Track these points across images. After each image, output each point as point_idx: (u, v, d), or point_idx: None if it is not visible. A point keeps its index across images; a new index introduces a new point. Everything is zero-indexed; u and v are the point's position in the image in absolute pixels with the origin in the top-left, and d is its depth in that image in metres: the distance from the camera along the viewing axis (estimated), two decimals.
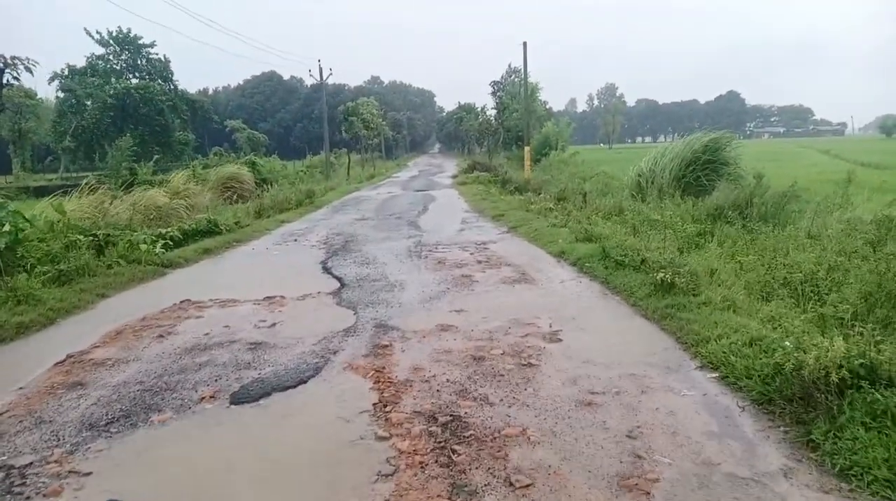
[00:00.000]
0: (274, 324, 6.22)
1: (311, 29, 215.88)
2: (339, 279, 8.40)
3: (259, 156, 58.21)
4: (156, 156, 42.71)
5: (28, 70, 13.16)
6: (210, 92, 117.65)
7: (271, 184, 29.87)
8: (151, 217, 15.76)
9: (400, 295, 7.31)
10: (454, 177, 34.11)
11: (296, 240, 12.29)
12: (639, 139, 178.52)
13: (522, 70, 31.67)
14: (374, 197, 22.56)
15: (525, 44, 31.19)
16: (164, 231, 11.58)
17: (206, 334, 5.95)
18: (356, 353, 5.20)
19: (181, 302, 7.26)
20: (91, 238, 10.00)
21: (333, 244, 11.59)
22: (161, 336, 5.94)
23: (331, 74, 38.30)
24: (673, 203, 17.57)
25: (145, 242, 10.11)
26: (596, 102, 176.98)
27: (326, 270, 9.05)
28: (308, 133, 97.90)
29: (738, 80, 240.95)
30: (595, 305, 6.62)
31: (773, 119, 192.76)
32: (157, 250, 10.05)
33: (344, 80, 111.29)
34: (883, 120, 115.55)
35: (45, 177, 49.36)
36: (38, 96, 59.49)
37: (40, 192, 33.64)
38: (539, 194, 28.62)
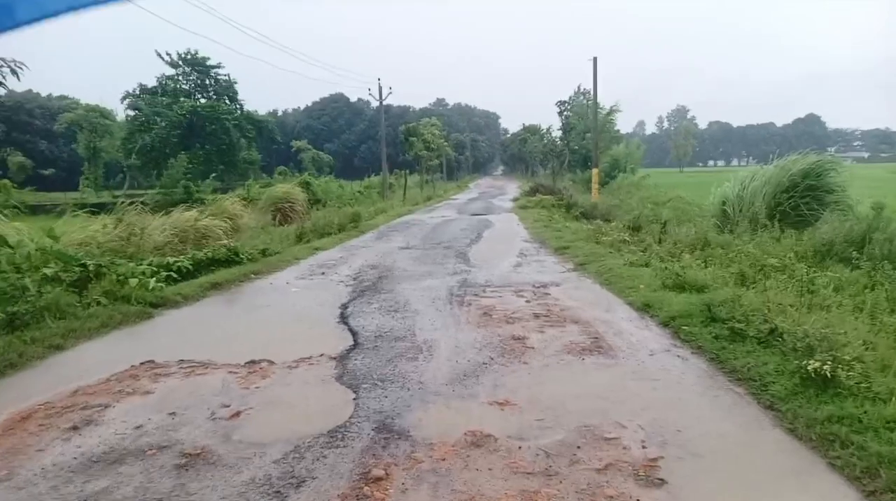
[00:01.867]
0: (238, 413, 4.36)
1: (381, 52, 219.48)
2: (353, 333, 6.53)
3: (322, 176, 58.08)
4: (213, 174, 42.73)
5: (14, 73, 12.09)
6: (279, 113, 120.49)
7: (325, 205, 28.84)
8: (187, 239, 14.53)
9: (424, 366, 5.33)
10: (515, 200, 32.07)
11: (323, 274, 10.53)
12: (710, 163, 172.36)
13: (592, 88, 29.45)
14: (426, 221, 20.76)
15: (595, 59, 29.13)
16: (171, 260, 10.05)
17: (139, 427, 4.14)
18: (327, 495, 3.24)
19: (141, 363, 5.52)
20: (80, 268, 8.52)
21: (364, 280, 9.76)
22: (76, 427, 4.17)
23: (391, 93, 37.15)
24: (770, 236, 15.07)
25: (139, 275, 8.56)
26: (666, 124, 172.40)
27: (343, 319, 7.20)
28: (372, 154, 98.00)
29: (817, 103, 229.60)
30: (709, 405, 4.41)
31: (856, 143, 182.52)
32: (153, 285, 8.46)
33: (409, 103, 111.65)
34: None
35: (112, 193, 50.30)
36: (117, 116, 61.54)
37: (98, 209, 33.85)
38: (609, 221, 26.31)
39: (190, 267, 10.11)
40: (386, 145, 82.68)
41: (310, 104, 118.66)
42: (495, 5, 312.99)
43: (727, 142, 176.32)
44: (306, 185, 30.33)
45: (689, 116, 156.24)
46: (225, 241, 15.45)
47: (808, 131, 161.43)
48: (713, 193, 21.56)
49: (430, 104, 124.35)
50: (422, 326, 6.67)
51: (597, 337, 6.02)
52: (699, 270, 9.93)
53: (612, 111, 42.78)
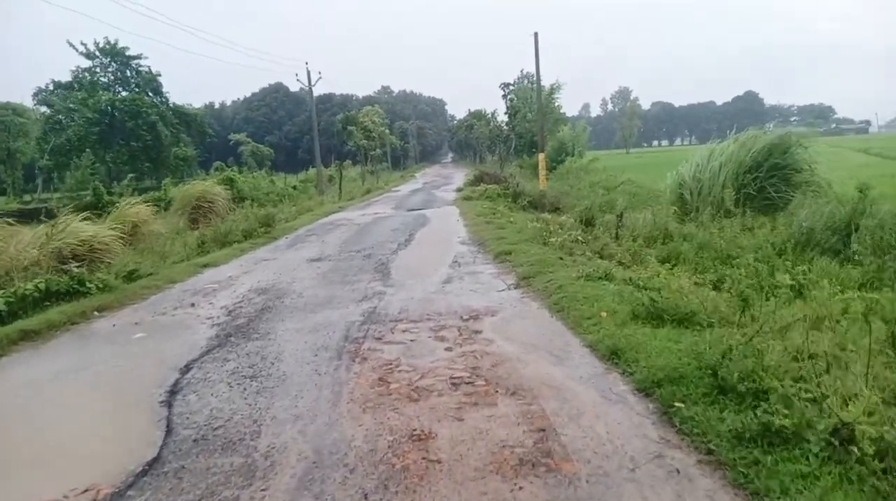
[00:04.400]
0: None
1: (319, 41, 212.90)
2: (168, 430, 4.15)
3: (262, 170, 54.74)
4: (130, 175, 39.09)
5: None
6: (216, 106, 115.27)
7: (253, 204, 26.04)
8: (70, 256, 11.85)
9: None
10: (459, 190, 29.78)
11: (193, 306, 8.03)
12: (655, 143, 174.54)
13: (535, 66, 27.36)
14: (355, 220, 18.27)
15: (536, 34, 27.20)
16: None
17: None
18: None
19: None
20: None
21: (240, 315, 7.32)
22: None
23: (320, 78, 34.36)
24: (737, 224, 13.25)
25: None
26: (610, 106, 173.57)
27: (171, 395, 4.80)
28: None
29: (755, 82, 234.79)
30: None
31: (792, 119, 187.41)
32: None
33: (353, 91, 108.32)
34: None
35: (18, 199, 45.88)
36: (35, 112, 56.52)
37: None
38: (558, 211, 24.28)
39: (2, 307, 7.49)
40: (328, 136, 79.70)
41: (248, 95, 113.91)
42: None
43: (670, 122, 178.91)
44: (229, 182, 27.45)
45: (632, 97, 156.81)
46: (120, 255, 12.94)
47: (748, 108, 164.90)
48: (669, 176, 19.80)
49: (374, 92, 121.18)
50: (277, 413, 4.30)
51: (543, 431, 3.76)
52: (669, 279, 7.90)
53: (553, 89, 40.87)
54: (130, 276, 9.80)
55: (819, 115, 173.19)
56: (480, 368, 4.94)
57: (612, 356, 4.96)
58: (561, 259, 9.30)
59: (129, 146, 52.30)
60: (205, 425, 4.20)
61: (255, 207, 24.67)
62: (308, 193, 34.85)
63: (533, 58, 28.03)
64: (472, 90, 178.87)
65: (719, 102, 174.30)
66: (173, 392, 4.90)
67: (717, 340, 4.63)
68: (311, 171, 45.73)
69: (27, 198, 48.36)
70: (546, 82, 43.04)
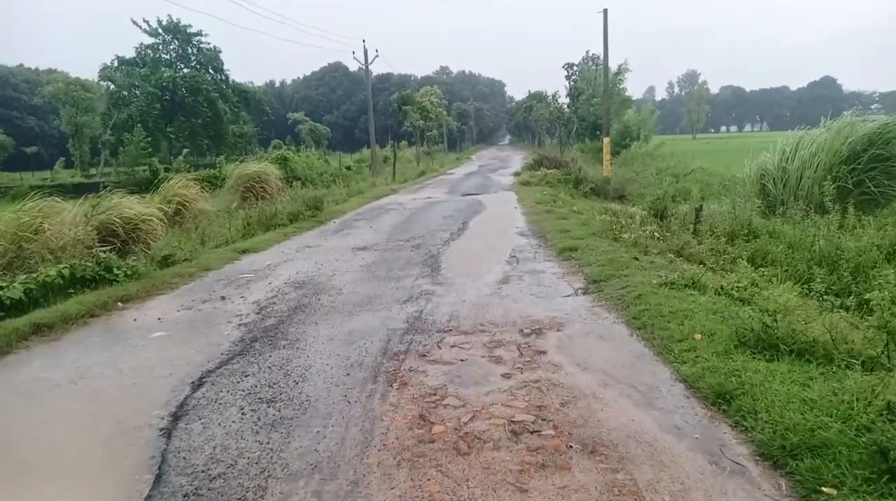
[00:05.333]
0: None
1: (379, 21, 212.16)
2: (158, 477, 3.33)
3: (319, 149, 54.64)
4: (185, 151, 39.30)
5: None
6: (277, 84, 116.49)
7: (305, 184, 25.62)
8: (112, 235, 11.54)
9: None
10: (517, 174, 28.54)
11: (223, 299, 7.29)
12: (723, 128, 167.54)
13: (602, 47, 25.69)
14: (406, 205, 17.37)
15: (605, 10, 25.32)
16: None
17: None
18: None
19: None
20: None
21: (272, 313, 6.51)
22: None
23: (377, 56, 33.41)
24: (833, 222, 11.69)
25: None
26: (676, 90, 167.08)
27: (173, 421, 4.00)
28: (374, 125, 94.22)
29: (834, 67, 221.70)
30: None
31: (874, 106, 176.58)
32: None
33: (411, 71, 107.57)
34: None
35: (83, 173, 47.10)
36: (101, 88, 57.94)
37: (67, 190, 30.64)
38: (623, 199, 22.79)
39: (23, 296, 6.90)
40: (386, 116, 79.16)
41: (308, 74, 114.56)
42: None
43: (740, 107, 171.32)
44: (283, 161, 27.06)
45: (700, 81, 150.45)
46: (162, 237, 12.53)
47: (824, 94, 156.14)
48: (747, 165, 18.10)
49: (433, 72, 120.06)
50: (291, 459, 3.41)
51: None
52: (770, 290, 6.68)
53: (620, 70, 38.84)
54: (165, 262, 9.18)
55: None
56: (547, 407, 3.92)
57: (719, 400, 3.86)
58: (636, 259, 8.12)
59: (189, 122, 52.88)
60: (202, 471, 3.36)
61: (308, 187, 24.21)
62: (362, 174, 34.22)
63: (599, 37, 26.38)
64: (532, 71, 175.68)
65: (793, 87, 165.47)
66: (177, 416, 4.09)
67: (866, 390, 3.48)
68: (367, 151, 45.14)
69: (93, 171, 49.67)
70: (612, 63, 41.01)
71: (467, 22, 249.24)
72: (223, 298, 7.32)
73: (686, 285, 6.54)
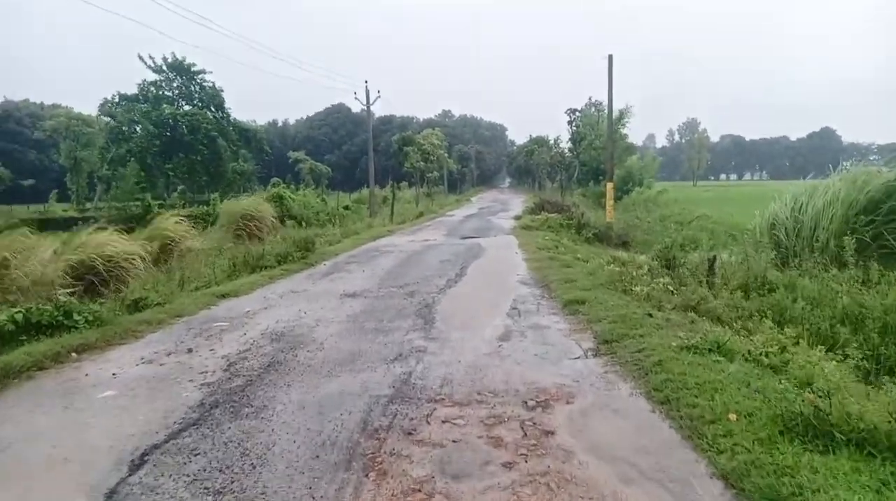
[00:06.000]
0: None
1: (383, 64, 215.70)
2: None
3: (319, 188, 54.21)
4: (180, 187, 38.84)
5: None
6: (279, 124, 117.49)
7: (301, 222, 25.05)
8: (89, 273, 10.88)
9: None
10: (518, 218, 27.98)
11: (189, 352, 6.51)
12: (723, 176, 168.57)
13: (607, 92, 25.47)
14: (403, 247, 16.67)
15: (611, 56, 25.20)
16: None
17: None
18: None
19: None
20: None
21: (238, 373, 5.72)
22: None
23: (378, 97, 33.23)
24: (853, 276, 11.00)
25: None
26: (677, 137, 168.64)
27: None
28: (374, 166, 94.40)
29: (833, 118, 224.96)
30: None
31: (872, 157, 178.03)
32: None
33: (414, 114, 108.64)
34: None
35: (77, 208, 46.62)
36: (100, 122, 57.96)
37: (56, 223, 30.01)
38: (626, 246, 22.14)
39: None
40: (387, 157, 79.31)
41: (311, 114, 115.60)
42: (503, 16, 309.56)
43: (739, 155, 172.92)
44: (278, 199, 26.53)
45: (700, 129, 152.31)
46: (144, 275, 11.88)
47: (823, 145, 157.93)
48: (757, 214, 17.52)
49: (435, 115, 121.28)
50: None
51: None
52: (803, 356, 5.97)
53: (623, 114, 38.67)
54: (136, 306, 8.43)
55: None
56: None
57: None
58: (650, 316, 7.38)
59: (188, 159, 52.67)
60: None
61: (304, 226, 23.61)
62: (360, 214, 33.72)
63: (600, 85, 26.22)
64: (534, 116, 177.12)
65: (793, 138, 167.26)
66: None
67: None
68: (366, 191, 44.76)
69: (87, 205, 49.23)
70: (615, 109, 41.03)
71: (471, 66, 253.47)
72: (190, 351, 6.54)
73: (710, 349, 5.79)
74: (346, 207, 35.00)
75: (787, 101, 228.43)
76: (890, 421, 3.80)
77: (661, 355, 5.61)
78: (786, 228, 15.26)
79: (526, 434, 4.15)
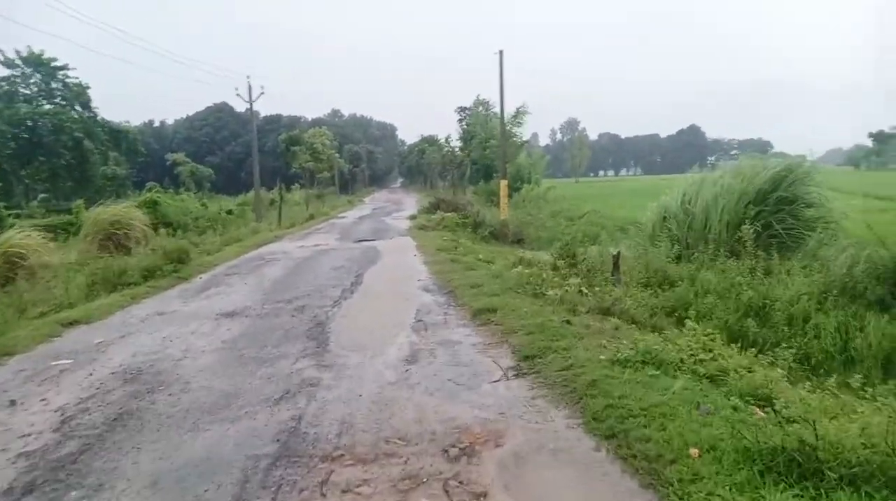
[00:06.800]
0: None
1: (269, 62, 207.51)
2: None
3: (200, 191, 50.78)
4: (42, 195, 34.86)
5: None
6: (156, 124, 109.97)
7: (177, 230, 22.80)
8: None
9: None
10: (413, 217, 27.17)
11: (11, 405, 5.05)
12: (601, 173, 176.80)
13: (498, 89, 25.18)
14: (292, 254, 15.31)
15: (501, 52, 24.98)
16: None
17: None
18: None
19: None
20: None
21: (73, 433, 4.39)
22: None
23: (262, 93, 31.22)
24: (746, 267, 11.01)
25: None
26: (559, 136, 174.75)
27: None
28: (260, 167, 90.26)
29: (698, 116, 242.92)
30: None
31: (733, 152, 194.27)
32: None
33: (303, 113, 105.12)
34: (852, 152, 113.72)
35: None
36: None
37: None
38: (522, 244, 21.88)
39: None
40: (274, 157, 76.09)
41: (191, 114, 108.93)
42: (391, 15, 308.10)
43: (616, 152, 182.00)
44: (152, 205, 24.05)
45: (580, 128, 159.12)
46: None
47: (691, 141, 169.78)
48: (649, 207, 17.74)
49: (324, 115, 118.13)
50: None
51: None
52: (743, 362, 5.50)
53: (518, 113, 38.86)
54: None
55: (758, 149, 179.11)
56: None
57: None
58: (568, 323, 6.71)
59: (49, 163, 47.60)
60: None
61: (181, 234, 21.52)
62: (246, 218, 31.54)
63: (487, 83, 26.06)
64: (423, 115, 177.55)
65: (663, 135, 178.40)
66: None
67: None
68: (252, 194, 42.28)
69: None
70: (509, 107, 41.30)
71: (359, 66, 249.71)
72: (13, 403, 5.09)
73: (643, 361, 5.15)
74: (230, 212, 32.61)
75: (659, 101, 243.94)
76: (872, 448, 3.24)
77: (593, 373, 4.90)
78: (678, 221, 15.39)
79: None
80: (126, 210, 19.75)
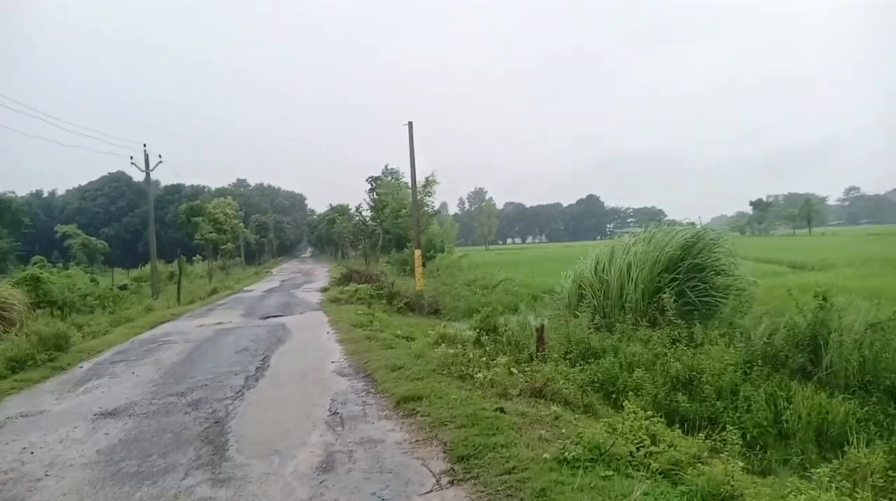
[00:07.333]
0: None
1: (172, 135, 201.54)
2: None
3: (93, 264, 47.14)
4: None
5: None
6: (45, 194, 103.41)
7: (63, 309, 20.64)
8: None
9: None
10: (325, 289, 26.10)
11: None
12: (509, 240, 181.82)
13: (409, 159, 25.12)
14: (190, 335, 13.95)
15: (411, 124, 25.05)
16: None
17: None
18: None
19: None
20: None
21: None
22: None
23: (160, 162, 29.65)
24: (665, 335, 10.94)
25: None
26: (467, 205, 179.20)
27: None
28: (160, 238, 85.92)
29: (596, 186, 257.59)
30: None
31: (629, 220, 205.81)
32: None
33: (206, 183, 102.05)
34: (735, 218, 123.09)
35: None
36: None
37: None
38: (439, 315, 21.32)
39: None
40: (175, 229, 72.76)
41: (84, 184, 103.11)
42: (294, 90, 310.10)
43: (522, 221, 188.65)
44: (33, 282, 21.73)
45: (487, 197, 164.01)
46: None
47: (590, 210, 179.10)
48: (563, 276, 17.72)
49: (229, 184, 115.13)
50: None
51: None
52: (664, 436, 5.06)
53: (428, 183, 39.09)
54: None
55: (652, 218, 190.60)
56: None
57: None
58: (501, 411, 6.09)
59: None
60: None
61: (65, 314, 19.51)
62: (142, 294, 29.28)
63: (396, 153, 26.03)
64: (333, 185, 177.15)
65: (565, 204, 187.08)
66: None
67: None
68: (147, 268, 39.68)
69: None
70: (408, 178, 41.60)
71: (266, 135, 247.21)
72: None
73: (592, 459, 4.60)
74: (124, 287, 30.18)
75: (559, 171, 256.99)
76: None
77: (540, 477, 4.28)
78: (593, 289, 15.36)
79: None
80: (2, 288, 17.72)
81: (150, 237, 30.90)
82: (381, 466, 4.99)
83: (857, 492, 4.72)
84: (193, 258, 55.86)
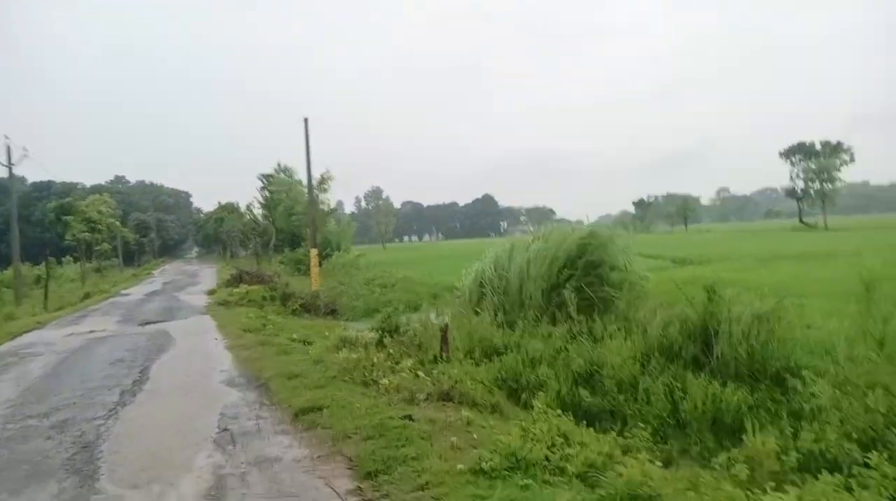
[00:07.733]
0: None
1: (43, 123, 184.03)
2: None
3: None
4: None
5: None
6: None
7: None
8: None
9: None
10: (212, 292, 24.60)
11: None
12: (406, 238, 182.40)
13: (305, 156, 24.23)
14: (57, 345, 12.50)
15: (306, 120, 24.36)
16: None
17: None
18: None
19: None
20: None
21: None
22: None
23: (25, 156, 26.85)
24: (577, 332, 11.09)
25: None
26: (364, 204, 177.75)
27: None
28: (27, 239, 78.10)
29: (491, 186, 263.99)
30: None
31: (522, 218, 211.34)
32: None
33: (80, 180, 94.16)
34: (620, 217, 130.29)
35: None
36: None
37: None
38: (336, 315, 20.67)
39: None
40: (42, 229, 66.57)
41: None
42: (184, 81, 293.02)
43: (419, 219, 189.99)
44: None
45: (384, 196, 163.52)
46: None
47: (485, 209, 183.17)
48: (464, 273, 17.65)
49: (106, 181, 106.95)
50: None
51: None
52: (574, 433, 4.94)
53: (324, 179, 38.04)
54: None
55: (543, 216, 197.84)
56: None
57: None
58: (410, 419, 5.73)
59: None
60: None
61: None
62: (2, 299, 26.39)
63: (294, 150, 25.17)
64: (222, 184, 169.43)
65: (461, 203, 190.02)
66: None
67: None
68: (9, 272, 35.92)
69: None
70: (301, 175, 40.29)
71: (147, 131, 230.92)
72: None
73: (510, 467, 4.34)
74: None
75: (455, 172, 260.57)
76: None
77: (456, 493, 3.97)
78: (493, 286, 15.37)
79: None
80: None
81: (13, 237, 27.86)
82: (279, 489, 4.48)
83: (755, 477, 4.80)
84: (64, 259, 51.34)
